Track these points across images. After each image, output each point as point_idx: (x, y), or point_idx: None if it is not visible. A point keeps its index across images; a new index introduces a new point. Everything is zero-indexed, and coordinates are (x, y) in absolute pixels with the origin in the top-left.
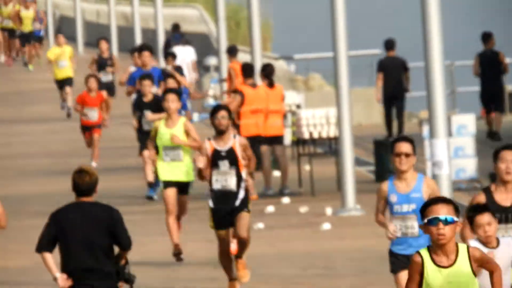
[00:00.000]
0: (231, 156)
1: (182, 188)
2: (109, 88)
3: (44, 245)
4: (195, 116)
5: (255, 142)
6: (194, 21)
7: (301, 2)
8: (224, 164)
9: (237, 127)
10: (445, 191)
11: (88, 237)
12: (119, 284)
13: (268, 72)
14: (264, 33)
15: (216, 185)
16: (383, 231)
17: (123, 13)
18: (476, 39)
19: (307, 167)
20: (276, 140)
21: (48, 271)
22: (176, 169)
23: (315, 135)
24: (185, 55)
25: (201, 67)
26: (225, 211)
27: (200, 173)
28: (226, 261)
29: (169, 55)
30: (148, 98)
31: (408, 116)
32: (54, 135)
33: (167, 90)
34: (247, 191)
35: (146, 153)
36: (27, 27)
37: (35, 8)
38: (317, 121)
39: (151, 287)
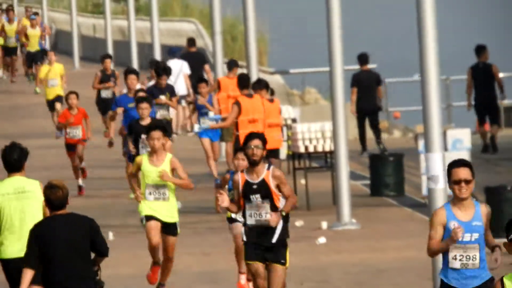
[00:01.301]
0: (263, 189)
1: (167, 228)
2: (109, 104)
3: (27, 262)
4: (196, 127)
5: None
6: (190, 36)
7: (297, 17)
8: (256, 198)
9: (236, 137)
10: (440, 205)
11: (70, 245)
12: None
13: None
14: (260, 47)
15: (250, 221)
16: (380, 245)
17: (120, 27)
18: (473, 54)
19: (302, 181)
20: (273, 153)
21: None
22: (160, 209)
23: (311, 149)
24: (182, 67)
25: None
26: (261, 246)
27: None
28: None
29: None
30: (146, 121)
31: (404, 130)
32: (50, 149)
33: (151, 126)
34: (286, 227)
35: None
36: (34, 46)
37: (39, 25)
38: (312, 135)
39: None
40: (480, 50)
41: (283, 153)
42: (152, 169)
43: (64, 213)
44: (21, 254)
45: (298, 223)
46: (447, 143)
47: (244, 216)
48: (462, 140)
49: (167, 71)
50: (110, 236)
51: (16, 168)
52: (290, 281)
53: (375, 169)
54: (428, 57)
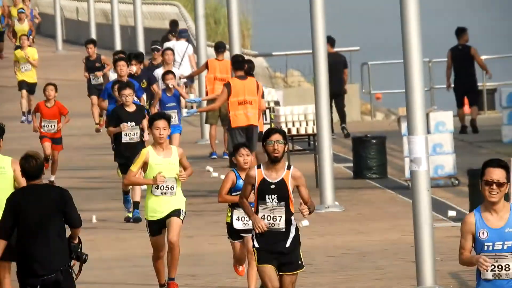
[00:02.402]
0: (281, 190)
1: (171, 213)
2: (100, 91)
3: (1, 233)
4: (184, 112)
5: (248, 132)
6: (173, 19)
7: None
8: (272, 199)
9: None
10: (423, 188)
11: (41, 217)
12: (71, 262)
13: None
14: (243, 31)
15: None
16: (363, 227)
17: (103, 11)
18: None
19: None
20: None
21: None
22: (166, 205)
23: (294, 132)
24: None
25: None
26: (273, 253)
27: (225, 200)
28: None
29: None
30: (131, 108)
31: (387, 113)
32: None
33: (157, 116)
34: (298, 230)
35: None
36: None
37: (29, 19)
38: (295, 117)
39: (130, 282)
40: (460, 32)
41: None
42: (161, 161)
43: (38, 184)
44: None
45: None
46: (429, 126)
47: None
48: (444, 123)
49: (138, 58)
50: (94, 219)
51: None
52: None
53: (358, 151)
54: (411, 40)
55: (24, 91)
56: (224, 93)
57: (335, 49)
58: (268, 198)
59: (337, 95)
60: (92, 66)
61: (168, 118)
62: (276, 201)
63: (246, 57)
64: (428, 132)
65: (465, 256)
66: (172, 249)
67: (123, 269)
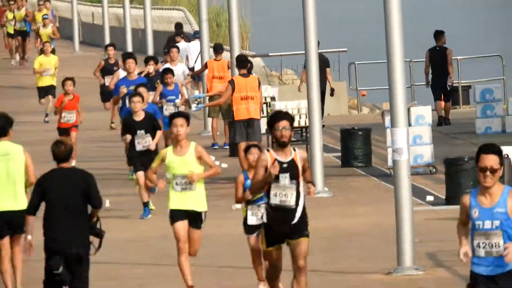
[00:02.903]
0: (292, 169)
1: (193, 219)
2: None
3: (30, 209)
4: (193, 107)
5: (249, 125)
6: (178, 21)
7: (276, 6)
8: (285, 177)
9: (232, 112)
10: (404, 175)
11: (67, 197)
12: (90, 238)
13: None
14: (242, 33)
15: (274, 200)
16: (350, 211)
17: (116, 15)
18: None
19: None
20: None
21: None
22: (187, 199)
23: None
24: (195, 50)
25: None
26: (281, 229)
27: (241, 199)
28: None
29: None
30: (139, 117)
31: (372, 108)
32: (50, 124)
33: (175, 114)
34: (305, 208)
35: (140, 173)
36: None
37: (52, 23)
38: (289, 111)
39: (139, 262)
40: (438, 34)
41: (263, 128)
42: (176, 159)
43: (66, 167)
44: (7, 208)
45: None
46: (410, 119)
47: (267, 196)
48: (424, 116)
49: (155, 59)
50: (107, 203)
51: (2, 133)
52: None
53: (346, 142)
54: (394, 42)
55: (44, 99)
56: (229, 89)
57: (319, 50)
58: (281, 177)
59: (320, 93)
60: (110, 68)
61: (186, 116)
62: (289, 179)
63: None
64: (409, 125)
65: (458, 229)
66: (191, 255)
67: (135, 249)
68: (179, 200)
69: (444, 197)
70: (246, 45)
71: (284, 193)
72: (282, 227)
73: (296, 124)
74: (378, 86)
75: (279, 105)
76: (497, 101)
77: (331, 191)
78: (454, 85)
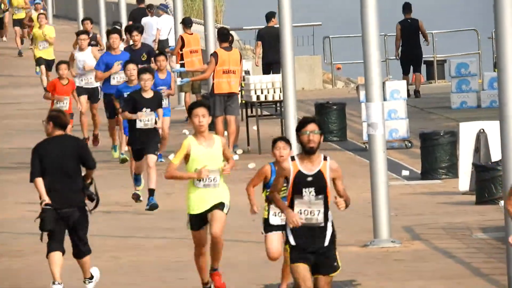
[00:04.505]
0: (318, 182)
1: (215, 206)
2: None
3: (35, 174)
4: (178, 81)
5: (229, 99)
6: None
7: None
8: (309, 192)
9: (212, 85)
10: (380, 150)
11: (63, 162)
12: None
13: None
14: (216, 6)
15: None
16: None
17: None
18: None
19: (254, 128)
20: (231, 97)
21: (39, 196)
22: (209, 197)
23: (262, 98)
24: (166, 23)
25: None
26: (309, 251)
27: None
28: None
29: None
30: (149, 94)
31: (346, 82)
32: (28, 98)
33: (195, 104)
34: (333, 225)
35: (138, 163)
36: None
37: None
38: (264, 85)
39: (113, 235)
40: (407, 7)
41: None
42: (204, 151)
43: (60, 135)
44: None
45: (251, 165)
46: (385, 93)
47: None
48: (399, 91)
49: (139, 29)
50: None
51: None
52: (244, 218)
53: (320, 116)
54: (368, 16)
55: (43, 67)
56: (212, 62)
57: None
58: (305, 192)
59: (274, 63)
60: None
61: (207, 106)
62: (314, 194)
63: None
64: (384, 99)
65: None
66: (215, 244)
67: (107, 222)
68: (200, 200)
69: (419, 172)
70: (219, 18)
71: (309, 210)
72: (310, 248)
73: (270, 98)
74: (353, 60)
75: (253, 79)
76: (472, 76)
77: None
78: (429, 59)
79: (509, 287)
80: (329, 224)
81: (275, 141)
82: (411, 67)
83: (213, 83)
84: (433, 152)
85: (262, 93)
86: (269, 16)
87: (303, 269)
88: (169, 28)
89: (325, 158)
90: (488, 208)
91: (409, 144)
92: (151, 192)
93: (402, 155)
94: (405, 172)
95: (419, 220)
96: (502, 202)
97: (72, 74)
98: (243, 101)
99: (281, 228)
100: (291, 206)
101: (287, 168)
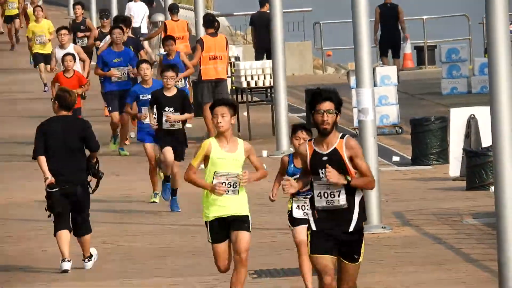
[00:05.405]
0: (335, 161)
1: (236, 223)
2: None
3: (38, 151)
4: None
5: (216, 85)
6: None
7: None
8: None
9: (199, 72)
10: (370, 136)
11: (66, 141)
12: (88, 177)
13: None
14: None
15: (320, 202)
16: None
17: None
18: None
19: (245, 114)
20: (219, 83)
21: (42, 173)
22: (229, 204)
23: (252, 84)
24: (139, 10)
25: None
26: (332, 238)
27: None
28: None
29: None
30: (171, 92)
31: (337, 68)
32: (18, 85)
33: (216, 102)
34: (363, 209)
35: (166, 149)
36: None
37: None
38: (254, 71)
39: (104, 221)
40: None
41: (228, 88)
42: (225, 155)
43: (65, 115)
44: None
45: None
46: (376, 79)
47: (312, 199)
48: (389, 77)
49: (126, 22)
50: None
51: None
52: None
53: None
54: (359, 0)
55: (41, 65)
56: (198, 49)
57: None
58: (322, 172)
59: (268, 49)
60: (76, 28)
61: (229, 104)
62: None
63: None
64: (375, 85)
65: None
66: (239, 267)
67: (98, 209)
68: (218, 207)
69: (410, 158)
70: (210, 4)
71: (329, 192)
72: (334, 234)
73: (260, 84)
74: (344, 46)
75: (243, 65)
76: (463, 61)
77: None
78: (420, 45)
79: (499, 272)
80: (356, 206)
81: (295, 130)
82: (390, 52)
83: (200, 70)
84: (423, 138)
85: (252, 79)
86: (263, 1)
87: (325, 262)
88: (142, 15)
89: (342, 137)
90: (479, 194)
91: (400, 130)
92: (167, 178)
93: (393, 141)
94: (396, 158)
95: (410, 206)
96: (492, 188)
97: (52, 71)
98: (234, 87)
99: (307, 221)
100: (312, 189)
101: (303, 152)
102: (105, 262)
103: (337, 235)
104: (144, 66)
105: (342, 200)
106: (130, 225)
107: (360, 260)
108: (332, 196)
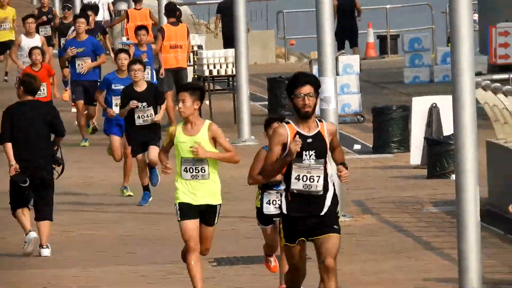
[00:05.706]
0: (319, 144)
1: (206, 214)
2: (47, 42)
3: (5, 138)
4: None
5: (177, 74)
6: None
7: None
8: (310, 156)
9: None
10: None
11: (34, 124)
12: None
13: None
14: None
15: (297, 185)
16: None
17: None
18: None
19: (207, 102)
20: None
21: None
22: (199, 190)
23: (215, 73)
24: None
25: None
26: (306, 222)
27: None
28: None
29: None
30: (141, 87)
31: (300, 57)
32: None
33: (181, 87)
34: (336, 195)
35: (139, 157)
36: None
37: None
38: (216, 60)
39: (65, 209)
40: None
41: (190, 76)
42: (186, 139)
43: (31, 100)
44: None
45: None
46: (338, 68)
47: (287, 180)
48: (352, 65)
49: (93, 9)
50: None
51: None
52: None
53: (273, 91)
54: None
55: (3, 55)
56: (159, 38)
57: None
58: (305, 155)
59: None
60: (42, 17)
61: (192, 88)
62: (314, 157)
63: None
64: (337, 74)
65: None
66: (198, 259)
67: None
68: (189, 192)
69: (371, 146)
70: None
71: (309, 176)
72: (307, 220)
73: (223, 72)
74: (306, 35)
75: (206, 54)
76: (425, 51)
77: (257, 140)
78: (382, 34)
79: (459, 260)
80: (329, 195)
81: (270, 121)
82: (347, 42)
83: (160, 58)
84: (385, 127)
85: (214, 67)
86: None
87: (298, 251)
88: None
89: (320, 120)
90: (439, 182)
91: (362, 119)
92: (146, 188)
93: (355, 129)
94: (357, 146)
95: (370, 194)
96: (453, 176)
97: (14, 60)
98: (196, 76)
99: (277, 216)
100: (288, 173)
101: (284, 133)
102: (66, 250)
103: (310, 220)
104: (123, 56)
105: (319, 186)
106: (90, 213)
107: (339, 231)
108: (312, 180)
